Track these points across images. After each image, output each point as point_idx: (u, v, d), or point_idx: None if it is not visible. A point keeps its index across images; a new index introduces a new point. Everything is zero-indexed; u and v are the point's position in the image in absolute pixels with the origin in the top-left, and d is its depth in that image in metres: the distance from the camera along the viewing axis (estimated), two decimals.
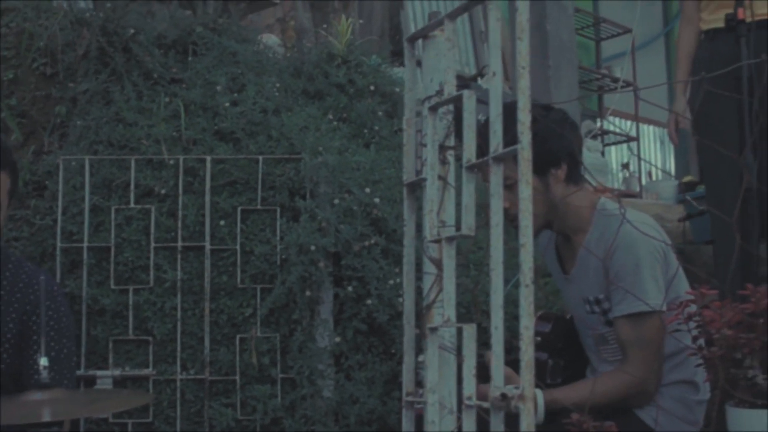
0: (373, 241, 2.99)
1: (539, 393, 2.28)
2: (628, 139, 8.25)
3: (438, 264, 1.74)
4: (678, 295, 2.31)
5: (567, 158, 2.40)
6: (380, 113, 3.48)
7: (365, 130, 3.43)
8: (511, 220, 2.43)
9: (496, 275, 1.53)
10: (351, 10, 4.00)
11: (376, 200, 3.02)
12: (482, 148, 1.60)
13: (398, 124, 3.47)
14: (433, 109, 1.78)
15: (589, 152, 6.60)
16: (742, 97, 2.92)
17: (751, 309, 1.91)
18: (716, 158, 3.29)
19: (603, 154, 7.89)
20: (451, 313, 1.65)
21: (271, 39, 4.84)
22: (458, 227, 1.65)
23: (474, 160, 1.63)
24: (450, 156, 1.81)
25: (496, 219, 1.56)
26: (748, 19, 2.94)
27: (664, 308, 2.26)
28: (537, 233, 2.47)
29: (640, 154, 8.49)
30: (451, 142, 1.82)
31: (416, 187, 1.85)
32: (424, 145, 1.79)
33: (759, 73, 3.03)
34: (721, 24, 3.23)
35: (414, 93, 1.88)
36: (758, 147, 3.25)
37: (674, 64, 9.47)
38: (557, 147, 2.36)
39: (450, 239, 1.67)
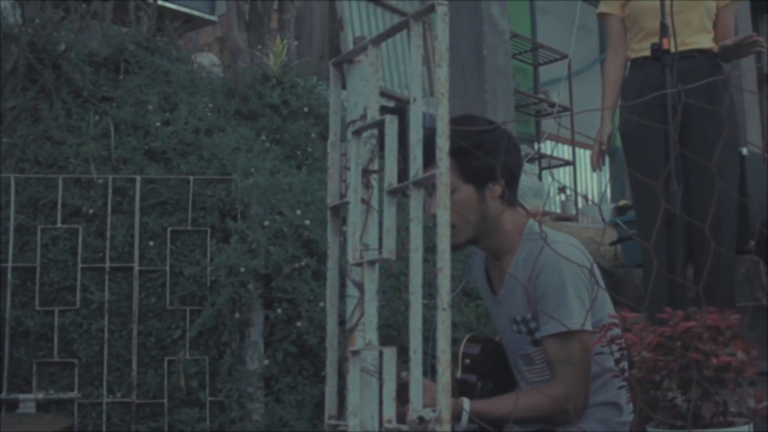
0: (303, 263, 2.98)
1: (466, 402, 2.30)
2: (565, 163, 8.35)
3: (360, 287, 1.74)
4: (602, 318, 2.34)
5: (506, 175, 2.43)
6: (314, 135, 3.48)
7: (298, 152, 3.43)
8: None
9: (415, 299, 1.54)
10: (287, 31, 4.00)
11: (307, 222, 3.02)
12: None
13: None
14: (357, 133, 1.78)
15: (526, 176, 6.67)
16: (667, 125, 2.99)
17: (669, 332, 1.95)
18: (645, 183, 3.35)
19: (540, 177, 7.99)
20: (372, 336, 1.65)
21: (209, 58, 4.82)
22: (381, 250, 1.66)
23: (395, 185, 1.64)
24: (374, 180, 1.82)
25: (416, 243, 1.57)
26: (673, 50, 3.01)
27: (589, 327, 2.29)
28: (466, 244, 2.48)
29: (576, 179, 8.59)
30: (375, 166, 1.83)
31: (340, 211, 1.85)
32: (349, 169, 1.80)
33: (684, 102, 3.11)
34: (649, 53, 3.30)
35: (339, 116, 1.89)
36: (687, 172, 3.33)
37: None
38: (498, 161, 2.39)
39: (371, 263, 1.68)
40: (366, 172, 1.80)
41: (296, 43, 4.38)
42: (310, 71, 4.21)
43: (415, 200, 1.59)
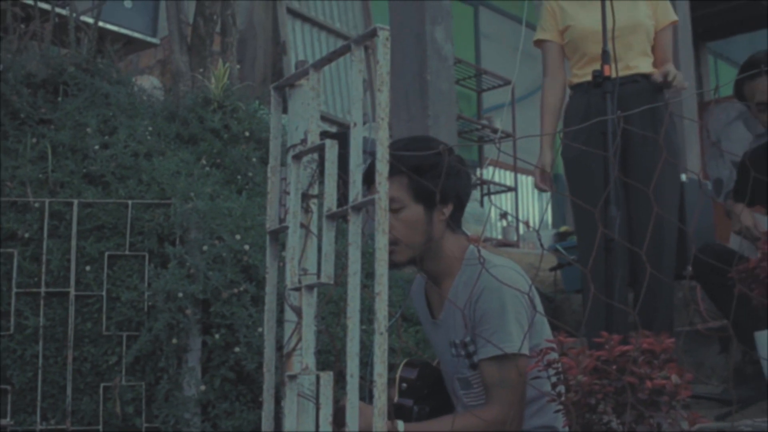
0: (242, 289, 2.96)
1: (401, 424, 2.30)
2: (507, 189, 8.43)
3: (298, 312, 1.73)
4: (540, 342, 2.36)
5: (455, 199, 2.45)
6: (255, 160, 3.46)
7: (239, 176, 3.41)
8: (390, 244, 2.45)
9: (352, 323, 1.54)
10: (230, 54, 3.99)
11: (247, 247, 3.00)
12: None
13: None
14: (297, 157, 1.78)
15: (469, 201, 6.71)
16: (608, 152, 3.03)
17: (605, 356, 1.97)
18: (586, 209, 3.39)
19: (482, 203, 8.04)
20: (310, 360, 1.64)
21: (150, 81, 4.78)
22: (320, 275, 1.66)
23: (335, 209, 1.64)
24: (313, 204, 1.82)
25: (354, 268, 1.57)
26: (614, 76, 3.05)
27: (527, 351, 2.30)
28: (407, 263, 2.48)
29: (518, 205, 8.67)
30: (315, 190, 1.82)
31: (279, 235, 1.85)
32: (288, 193, 1.79)
33: (625, 128, 3.15)
34: (590, 78, 3.35)
35: (279, 141, 1.89)
36: (629, 198, 3.38)
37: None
38: (450, 185, 2.40)
39: (310, 287, 1.67)
40: (305, 197, 1.80)
41: (239, 66, 4.37)
42: (252, 95, 4.20)
43: (354, 225, 1.59)
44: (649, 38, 3.55)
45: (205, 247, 2.97)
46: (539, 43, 3.71)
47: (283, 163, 1.87)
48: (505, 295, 2.34)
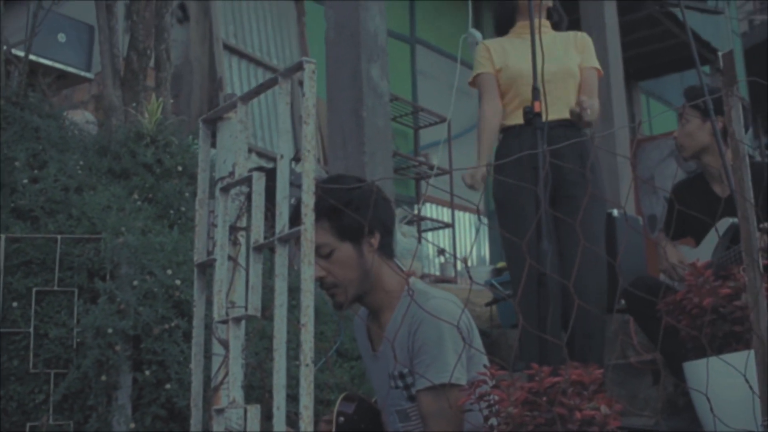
0: (174, 324, 2.93)
1: None
2: (444, 225, 8.47)
3: (226, 345, 1.72)
4: (476, 375, 2.37)
5: (380, 228, 2.46)
6: (187, 194, 3.44)
7: (171, 211, 3.38)
8: (326, 288, 2.45)
9: (279, 356, 1.53)
10: (164, 89, 3.97)
11: (178, 282, 2.97)
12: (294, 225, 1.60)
13: None
14: (225, 189, 1.78)
15: (405, 237, 6.73)
16: (539, 187, 3.06)
17: (536, 388, 1.99)
18: (517, 245, 3.42)
19: (419, 240, 8.07)
20: (237, 394, 1.63)
21: (83, 115, 4.74)
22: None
23: (261, 241, 1.64)
24: (241, 237, 1.81)
25: (281, 299, 1.56)
26: (544, 112, 3.10)
27: (464, 382, 2.32)
28: (352, 302, 2.49)
29: (455, 241, 8.70)
30: (243, 222, 1.82)
31: (207, 268, 1.83)
32: (216, 226, 1.78)
33: (552, 166, 3.20)
34: (522, 120, 3.38)
35: (208, 173, 1.88)
36: (559, 235, 3.42)
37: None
38: (371, 215, 2.41)
39: (237, 320, 1.66)
40: (233, 229, 1.79)
41: (173, 101, 4.35)
42: (188, 130, 4.18)
43: (281, 257, 1.59)
44: (576, 85, 3.61)
45: (135, 282, 2.94)
46: (476, 78, 3.73)
47: (212, 196, 1.86)
48: (442, 327, 2.35)
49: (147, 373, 2.89)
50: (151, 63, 4.07)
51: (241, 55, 6.50)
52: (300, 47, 7.17)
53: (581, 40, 3.70)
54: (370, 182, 2.56)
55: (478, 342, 2.53)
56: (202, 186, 1.87)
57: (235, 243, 1.79)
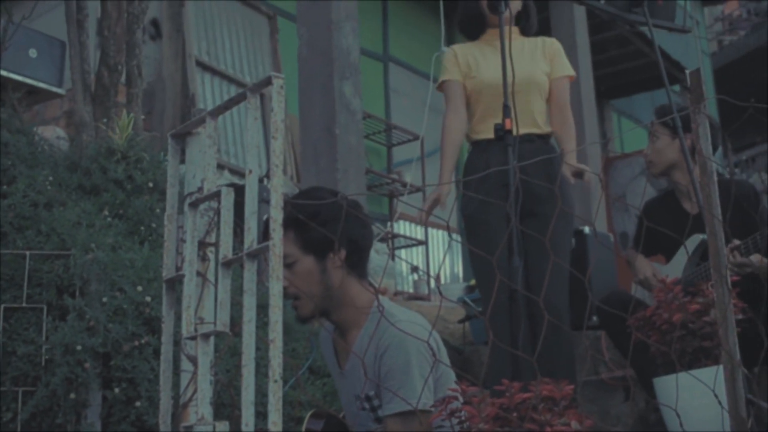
0: (144, 341, 2.90)
1: None
2: (417, 243, 8.47)
3: (194, 361, 1.71)
4: (446, 394, 2.37)
5: (347, 244, 2.44)
6: (158, 210, 3.43)
7: (142, 227, 3.36)
8: (290, 299, 2.44)
9: (248, 372, 1.52)
10: (135, 105, 3.95)
11: (149, 299, 2.95)
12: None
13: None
14: (194, 205, 1.77)
15: (378, 255, 6.72)
16: (508, 204, 3.07)
17: (506, 404, 1.99)
18: (487, 261, 3.42)
19: (392, 257, 8.07)
20: (206, 411, 1.61)
21: (54, 131, 4.71)
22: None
23: (230, 256, 1.63)
24: (210, 252, 1.80)
25: (250, 315, 1.56)
26: (515, 131, 3.11)
27: (431, 407, 2.30)
28: (313, 316, 2.47)
29: (428, 258, 8.71)
30: (212, 238, 1.81)
31: (176, 284, 1.82)
32: (185, 241, 1.78)
33: (523, 181, 3.21)
34: (491, 135, 3.38)
35: (177, 189, 1.87)
36: (528, 252, 3.43)
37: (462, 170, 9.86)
38: (336, 230, 2.39)
39: (206, 336, 1.65)
40: (202, 245, 1.78)
41: (144, 117, 4.33)
42: (160, 146, 4.17)
43: (249, 272, 1.58)
44: (542, 96, 3.58)
45: (105, 299, 2.91)
46: (443, 84, 3.70)
47: (181, 212, 1.85)
48: (410, 351, 2.35)
49: (117, 390, 2.86)
50: (123, 79, 4.05)
51: (214, 71, 6.49)
52: (273, 64, 7.18)
53: (550, 47, 3.64)
54: (341, 197, 2.55)
55: (445, 362, 2.53)
56: (171, 201, 1.86)
57: (204, 259, 1.78)
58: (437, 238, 9.23)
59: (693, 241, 3.58)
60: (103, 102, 3.85)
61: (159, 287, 3.04)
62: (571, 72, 3.65)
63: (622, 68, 11.69)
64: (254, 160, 1.62)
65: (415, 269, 8.35)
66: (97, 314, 2.88)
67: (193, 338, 1.68)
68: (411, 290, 8.15)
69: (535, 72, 3.54)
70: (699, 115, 2.41)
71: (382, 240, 7.22)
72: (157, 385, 2.89)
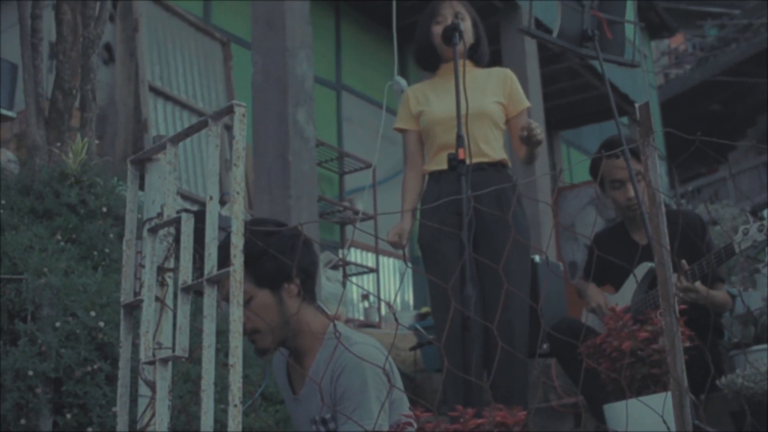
0: (96, 367, 2.88)
1: None
2: (369, 270, 8.49)
3: (152, 386, 1.71)
4: (400, 419, 2.39)
5: (300, 273, 2.47)
6: (112, 235, 3.41)
7: (95, 252, 3.34)
8: (247, 335, 2.45)
9: (207, 396, 1.53)
10: (89, 129, 3.94)
11: (102, 324, 2.93)
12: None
13: None
14: (153, 230, 1.78)
15: (329, 282, 6.73)
16: (462, 232, 3.11)
17: (460, 430, 2.01)
18: (441, 289, 3.46)
19: (344, 284, 8.08)
20: None
21: (5, 155, 4.66)
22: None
23: (190, 282, 1.64)
24: (169, 278, 1.81)
25: (209, 340, 1.57)
26: (468, 161, 3.16)
27: (386, 429, 2.33)
28: (275, 347, 2.49)
29: (379, 286, 8.73)
30: (170, 264, 1.82)
31: (134, 309, 1.83)
32: (144, 266, 1.78)
33: (476, 210, 3.26)
34: (444, 166, 3.44)
35: (135, 214, 1.88)
36: (482, 280, 3.47)
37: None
38: (290, 261, 2.42)
39: (164, 360, 1.66)
40: (161, 270, 1.79)
41: (98, 142, 4.31)
42: (112, 171, 4.15)
43: (209, 298, 1.60)
44: (497, 125, 3.62)
45: (58, 324, 2.89)
46: (398, 131, 3.81)
47: (139, 237, 1.86)
48: (366, 373, 2.37)
49: (68, 416, 2.84)
50: (76, 103, 4.03)
51: (167, 97, 6.48)
52: (226, 91, 7.18)
53: (504, 80, 3.69)
54: (289, 228, 2.58)
55: (400, 387, 2.55)
56: (130, 227, 1.87)
57: (162, 284, 1.79)
58: (388, 266, 9.26)
59: (641, 269, 3.65)
60: (56, 126, 3.83)
61: (112, 312, 3.03)
62: (526, 103, 3.72)
63: (572, 100, 11.87)
64: (215, 187, 1.64)
65: (366, 296, 8.37)
66: (50, 339, 2.86)
67: (152, 363, 1.69)
68: (362, 317, 8.16)
69: (486, 103, 3.59)
70: (648, 147, 2.48)
71: (335, 267, 7.23)
72: (109, 410, 2.88)
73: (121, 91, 6.14)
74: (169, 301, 1.77)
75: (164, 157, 1.79)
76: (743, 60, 18.87)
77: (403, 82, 6.40)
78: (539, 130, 3.39)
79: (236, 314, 1.50)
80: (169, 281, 1.81)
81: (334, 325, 2.33)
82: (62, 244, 3.27)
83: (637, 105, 2.51)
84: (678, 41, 25.95)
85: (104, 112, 5.87)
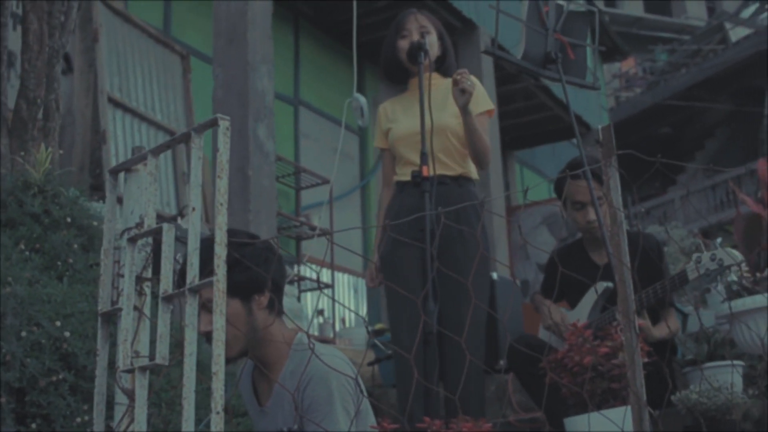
0: (61, 377, 2.87)
1: None
2: (324, 285, 8.51)
3: (130, 394, 1.73)
4: (366, 429, 2.43)
5: (271, 286, 2.50)
6: (76, 246, 3.40)
7: (59, 263, 3.33)
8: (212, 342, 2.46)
9: (188, 403, 1.56)
10: (52, 139, 3.92)
11: (67, 334, 2.92)
12: (180, 285, 1.65)
13: (94, 258, 3.40)
14: (133, 240, 1.80)
15: (286, 297, 6.74)
16: (424, 246, 3.16)
17: None
18: (401, 303, 3.49)
19: (299, 299, 8.09)
20: None
21: None
22: (152, 357, 1.67)
23: (171, 291, 1.67)
24: (146, 287, 1.83)
25: (191, 349, 1.59)
26: (431, 176, 3.21)
27: None
28: (239, 356, 2.51)
29: (334, 301, 8.75)
30: (149, 273, 1.84)
31: (111, 318, 1.85)
32: (122, 276, 1.80)
33: (439, 224, 3.31)
34: (408, 178, 3.49)
35: (113, 224, 1.90)
36: (440, 294, 3.51)
37: (371, 216, 9.98)
38: (259, 274, 2.45)
39: (143, 368, 1.68)
40: (139, 279, 1.81)
41: (62, 152, 4.29)
42: (70, 182, 4.13)
43: (191, 306, 1.62)
44: (457, 138, 3.63)
45: (23, 333, 2.88)
46: (379, 149, 3.87)
47: (117, 246, 1.88)
48: (332, 383, 2.40)
49: (33, 426, 2.82)
50: (40, 113, 4.01)
51: (125, 108, 6.45)
52: (185, 104, 7.17)
53: None
54: (263, 240, 2.61)
55: (364, 399, 2.59)
56: (108, 236, 1.89)
57: (140, 293, 1.81)
58: (343, 281, 9.30)
59: (598, 288, 3.73)
60: (20, 135, 3.81)
61: (77, 323, 3.02)
62: (489, 106, 3.68)
63: (526, 120, 12.04)
64: (197, 198, 1.67)
65: (320, 312, 8.39)
66: (14, 349, 2.84)
67: (130, 371, 1.71)
68: (316, 333, 8.17)
69: (445, 116, 3.60)
70: (610, 168, 2.55)
71: (290, 283, 7.24)
72: (72, 421, 2.87)
73: (80, 102, 6.10)
74: (146, 310, 1.80)
75: (145, 168, 1.82)
76: (693, 84, 19.27)
77: (362, 99, 6.47)
78: (467, 79, 3.37)
79: (219, 323, 1.53)
80: (147, 290, 1.83)
81: (308, 336, 2.36)
82: (27, 253, 3.26)
83: (600, 127, 2.58)
84: (629, 64, 26.39)
85: (63, 122, 5.83)
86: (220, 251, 1.57)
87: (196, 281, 1.61)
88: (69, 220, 3.43)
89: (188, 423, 1.54)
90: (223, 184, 1.60)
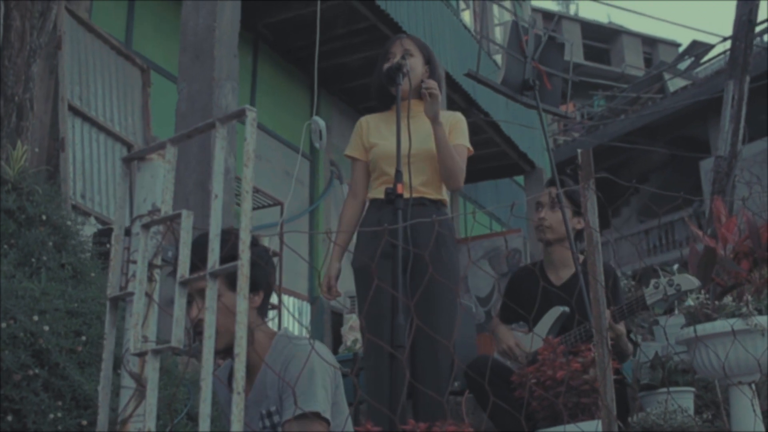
0: (34, 373, 2.86)
1: None
2: (272, 307, 8.50)
3: (137, 378, 1.76)
4: (341, 422, 2.49)
5: (265, 287, 2.54)
6: (50, 244, 3.38)
7: (33, 259, 3.31)
8: (201, 333, 2.49)
9: (206, 384, 1.59)
10: (25, 138, 3.91)
11: (46, 328, 2.91)
12: (196, 264, 1.68)
13: (67, 257, 3.39)
14: (146, 226, 1.84)
15: None
16: (396, 263, 3.22)
17: None
18: (373, 318, 3.53)
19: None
20: (151, 425, 1.66)
21: None
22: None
23: (188, 276, 1.70)
24: (157, 273, 1.87)
25: (210, 332, 1.63)
26: (406, 195, 3.28)
27: (328, 415, 2.42)
28: (225, 350, 2.55)
29: (279, 325, 8.76)
30: (159, 260, 1.88)
31: (119, 303, 1.87)
32: (133, 262, 1.83)
33: (414, 241, 3.37)
34: (383, 195, 3.55)
35: (125, 210, 1.93)
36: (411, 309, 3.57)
37: (318, 239, 10.01)
38: (259, 274, 2.50)
39: (156, 352, 1.71)
40: (150, 266, 1.85)
41: (37, 150, 4.28)
42: (44, 182, 4.11)
43: (211, 290, 1.66)
44: (436, 165, 3.71)
45: (3, 325, 2.86)
46: (348, 158, 3.89)
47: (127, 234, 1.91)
48: (313, 361, 2.46)
49: (9, 419, 2.80)
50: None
51: (85, 117, 6.42)
52: (143, 117, 7.16)
53: (448, 119, 3.77)
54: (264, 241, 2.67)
55: (342, 389, 2.65)
56: (119, 222, 1.92)
57: (150, 279, 1.84)
58: (290, 304, 9.30)
59: (554, 312, 3.82)
60: None
61: (51, 319, 3.01)
62: (469, 146, 3.82)
63: (473, 155, 12.19)
64: (220, 186, 1.72)
65: None
66: None
67: (140, 354, 1.73)
68: None
69: (429, 143, 3.67)
70: (588, 190, 2.66)
71: None
72: (45, 418, 2.85)
73: (39, 107, 6.06)
74: (155, 296, 1.83)
75: (160, 157, 1.86)
76: (631, 131, 19.72)
77: (321, 122, 6.52)
78: (434, 86, 3.51)
79: (242, 306, 1.57)
80: (156, 276, 1.86)
81: (300, 340, 2.41)
82: (5, 247, 3.24)
83: (579, 151, 2.68)
84: (568, 108, 26.88)
85: None
86: (245, 236, 1.61)
87: (217, 266, 1.65)
88: (44, 217, 3.42)
89: (206, 403, 1.58)
90: (249, 173, 1.66)
